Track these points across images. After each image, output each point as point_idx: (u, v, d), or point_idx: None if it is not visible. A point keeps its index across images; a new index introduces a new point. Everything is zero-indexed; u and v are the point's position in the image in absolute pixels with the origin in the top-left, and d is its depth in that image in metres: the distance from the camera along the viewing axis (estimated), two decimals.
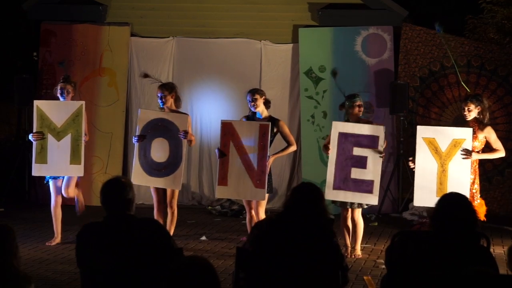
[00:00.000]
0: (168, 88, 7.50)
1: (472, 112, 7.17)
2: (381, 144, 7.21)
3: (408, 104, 9.82)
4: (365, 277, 6.27)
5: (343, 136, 7.29)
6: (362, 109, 7.40)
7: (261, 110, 7.36)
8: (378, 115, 10.03)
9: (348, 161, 7.24)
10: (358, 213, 7.32)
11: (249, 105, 7.40)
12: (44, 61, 10.66)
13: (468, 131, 7.09)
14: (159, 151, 7.45)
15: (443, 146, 7.12)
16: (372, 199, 7.26)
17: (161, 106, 7.52)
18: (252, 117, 7.44)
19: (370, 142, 7.23)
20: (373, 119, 9.75)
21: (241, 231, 8.59)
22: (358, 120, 7.39)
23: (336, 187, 7.22)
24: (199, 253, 7.47)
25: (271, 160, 7.22)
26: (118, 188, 4.11)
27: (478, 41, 11.44)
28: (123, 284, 3.94)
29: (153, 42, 10.74)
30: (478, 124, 7.15)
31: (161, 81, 7.74)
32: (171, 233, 7.50)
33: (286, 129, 7.40)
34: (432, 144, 7.15)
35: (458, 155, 7.09)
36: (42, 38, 10.69)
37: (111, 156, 10.47)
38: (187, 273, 2.90)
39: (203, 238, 8.22)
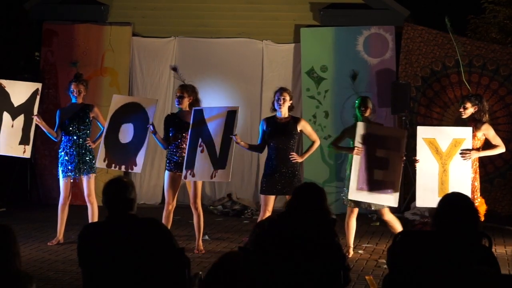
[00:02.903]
0: (189, 90, 7.54)
1: (467, 110, 7.16)
2: (403, 148, 7.23)
3: (409, 104, 9.81)
4: (366, 277, 6.26)
5: (367, 137, 7.31)
6: (366, 110, 7.35)
7: (284, 111, 7.30)
8: (380, 115, 10.02)
9: (371, 163, 7.25)
10: (387, 211, 7.29)
11: (276, 104, 7.30)
12: (46, 61, 10.67)
13: (468, 130, 7.09)
14: (125, 134, 7.66)
15: (444, 146, 7.12)
16: (392, 201, 7.25)
17: (177, 105, 7.59)
18: (273, 119, 7.33)
19: (393, 144, 7.25)
20: (375, 119, 9.77)
21: (243, 231, 8.59)
22: (368, 121, 7.36)
23: (359, 187, 7.25)
24: (200, 252, 7.48)
25: (299, 161, 7.26)
26: (120, 188, 4.12)
27: (480, 40, 11.43)
28: (124, 284, 3.94)
29: (155, 42, 10.75)
30: (475, 123, 7.15)
31: (184, 81, 7.72)
32: (201, 232, 7.59)
33: (308, 127, 7.43)
34: (432, 145, 7.14)
35: (458, 154, 7.09)
36: (44, 38, 10.71)
37: None
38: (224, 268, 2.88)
39: (205, 237, 8.22)
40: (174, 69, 8.07)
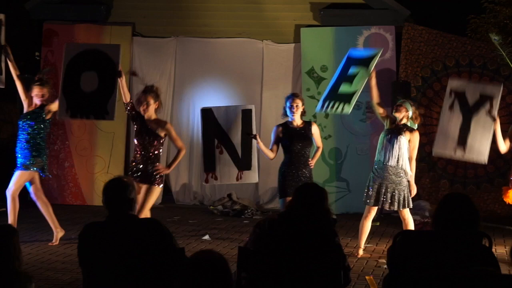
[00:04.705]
0: (153, 96, 6.97)
1: None
2: (373, 64, 7.33)
3: None
4: (367, 277, 6.27)
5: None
6: (400, 109, 7.24)
7: (298, 117, 7.22)
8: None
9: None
10: (406, 212, 7.29)
11: (288, 111, 7.17)
12: (46, 61, 10.68)
13: (498, 88, 7.18)
14: (88, 82, 7.12)
15: (471, 100, 7.20)
16: (347, 109, 7.28)
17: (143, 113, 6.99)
18: (287, 125, 7.21)
19: (365, 62, 7.39)
20: (375, 119, 9.77)
21: (243, 231, 8.60)
22: (398, 127, 7.28)
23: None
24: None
25: (312, 166, 7.25)
26: (120, 188, 4.12)
27: (480, 40, 11.42)
28: (125, 284, 3.94)
29: (156, 41, 10.75)
30: None
31: (146, 83, 7.29)
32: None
33: (318, 132, 7.41)
34: (460, 97, 7.23)
35: (483, 111, 7.15)
36: (44, 38, 10.72)
37: (113, 156, 10.48)
38: (201, 266, 2.90)
39: (206, 237, 8.23)
40: (133, 73, 7.76)
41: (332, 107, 7.38)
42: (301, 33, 10.39)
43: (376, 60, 7.34)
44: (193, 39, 10.68)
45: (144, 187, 6.91)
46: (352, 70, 7.43)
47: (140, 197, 6.87)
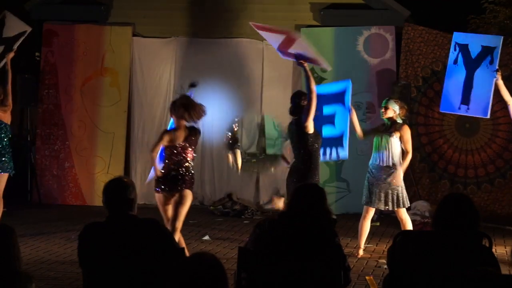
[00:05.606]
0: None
1: None
2: (349, 99, 7.24)
3: (410, 104, 9.80)
4: (367, 277, 6.27)
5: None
6: (386, 111, 7.26)
7: None
8: (380, 115, 10.02)
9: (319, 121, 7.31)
10: (403, 212, 7.30)
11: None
12: (47, 61, 10.69)
13: (499, 38, 7.32)
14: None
15: (474, 53, 7.28)
16: (343, 153, 7.37)
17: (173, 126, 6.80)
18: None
19: (337, 98, 7.32)
20: (375, 119, 9.76)
21: (243, 231, 8.60)
22: (393, 122, 7.30)
23: None
24: None
25: None
26: (120, 188, 4.11)
27: None
28: (125, 284, 3.94)
29: (155, 42, 10.75)
30: None
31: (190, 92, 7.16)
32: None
33: None
34: (464, 50, 7.32)
35: (485, 64, 7.22)
36: (45, 38, 10.72)
37: (113, 156, 10.49)
38: (195, 269, 2.89)
39: (206, 238, 8.23)
40: (192, 85, 7.49)
41: (324, 153, 7.37)
42: (301, 33, 10.36)
43: (350, 95, 7.28)
44: (193, 39, 10.68)
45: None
46: (327, 110, 7.36)
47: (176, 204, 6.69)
